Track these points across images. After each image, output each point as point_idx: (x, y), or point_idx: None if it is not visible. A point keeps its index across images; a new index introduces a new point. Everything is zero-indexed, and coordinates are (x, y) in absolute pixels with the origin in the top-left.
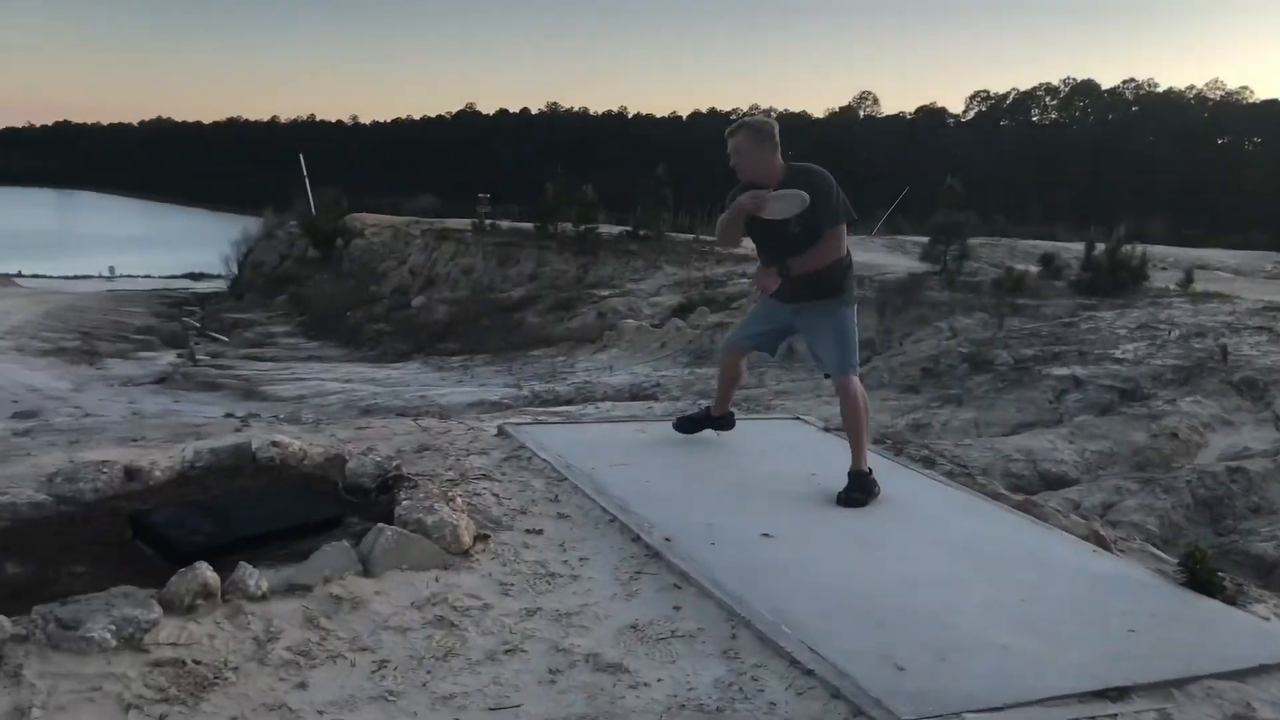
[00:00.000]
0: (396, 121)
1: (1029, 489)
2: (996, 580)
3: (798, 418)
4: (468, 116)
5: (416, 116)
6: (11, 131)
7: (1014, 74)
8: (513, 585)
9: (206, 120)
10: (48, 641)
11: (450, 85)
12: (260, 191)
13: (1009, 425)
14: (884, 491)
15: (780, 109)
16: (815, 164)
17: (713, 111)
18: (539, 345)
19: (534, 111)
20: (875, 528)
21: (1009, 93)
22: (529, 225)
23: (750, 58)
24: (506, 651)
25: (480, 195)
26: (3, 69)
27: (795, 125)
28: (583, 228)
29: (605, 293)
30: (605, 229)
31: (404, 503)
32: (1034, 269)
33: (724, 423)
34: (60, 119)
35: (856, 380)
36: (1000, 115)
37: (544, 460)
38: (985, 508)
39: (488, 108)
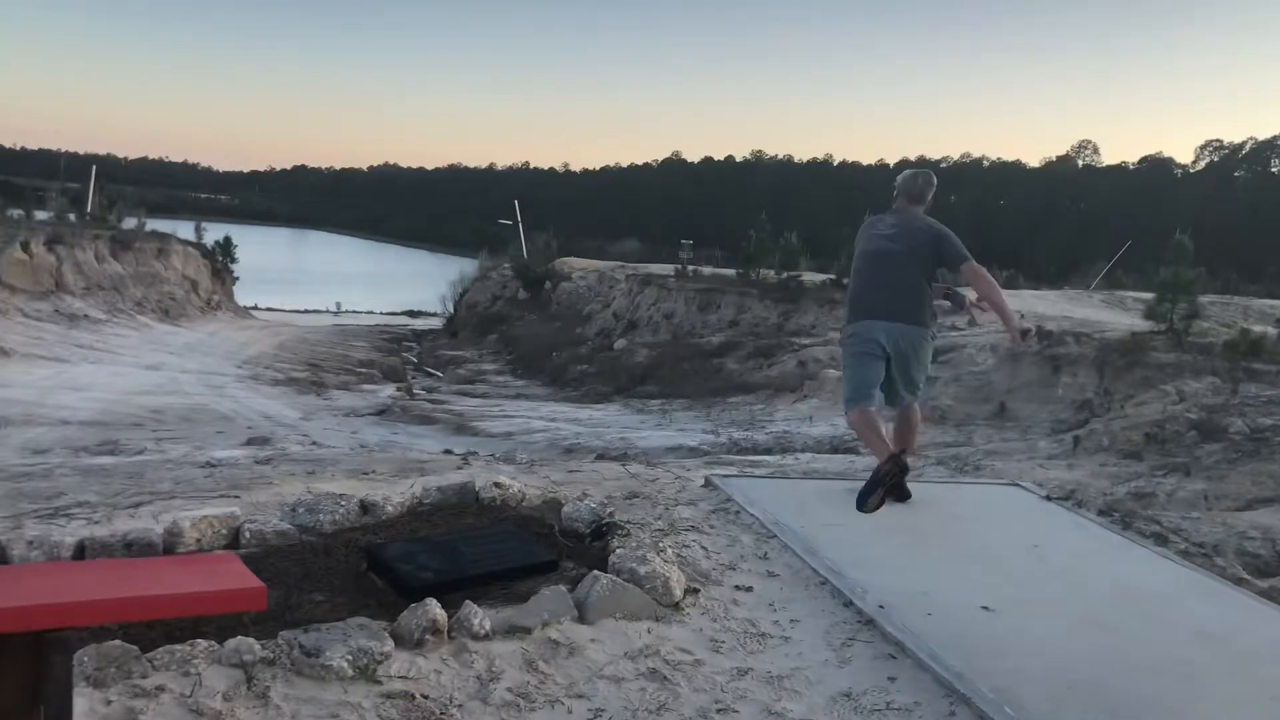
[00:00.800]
0: (605, 169)
1: (1266, 571)
2: (1241, 674)
3: (1015, 483)
4: (673, 164)
5: (624, 164)
6: (255, 174)
7: (1250, 122)
8: (723, 642)
9: (430, 166)
10: (291, 666)
11: (657, 133)
12: (477, 234)
13: (1243, 500)
14: (1114, 570)
15: (993, 157)
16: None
17: (921, 159)
18: (738, 392)
19: (738, 159)
20: (1107, 608)
21: (1245, 142)
22: (730, 272)
23: (961, 103)
24: (719, 711)
25: (683, 241)
26: (248, 118)
27: (1009, 175)
28: (785, 275)
29: (806, 341)
30: (808, 277)
31: (617, 551)
32: (1272, 331)
33: (894, 476)
34: (298, 163)
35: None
36: (1234, 166)
37: (752, 515)
38: (1226, 592)
39: (693, 155)
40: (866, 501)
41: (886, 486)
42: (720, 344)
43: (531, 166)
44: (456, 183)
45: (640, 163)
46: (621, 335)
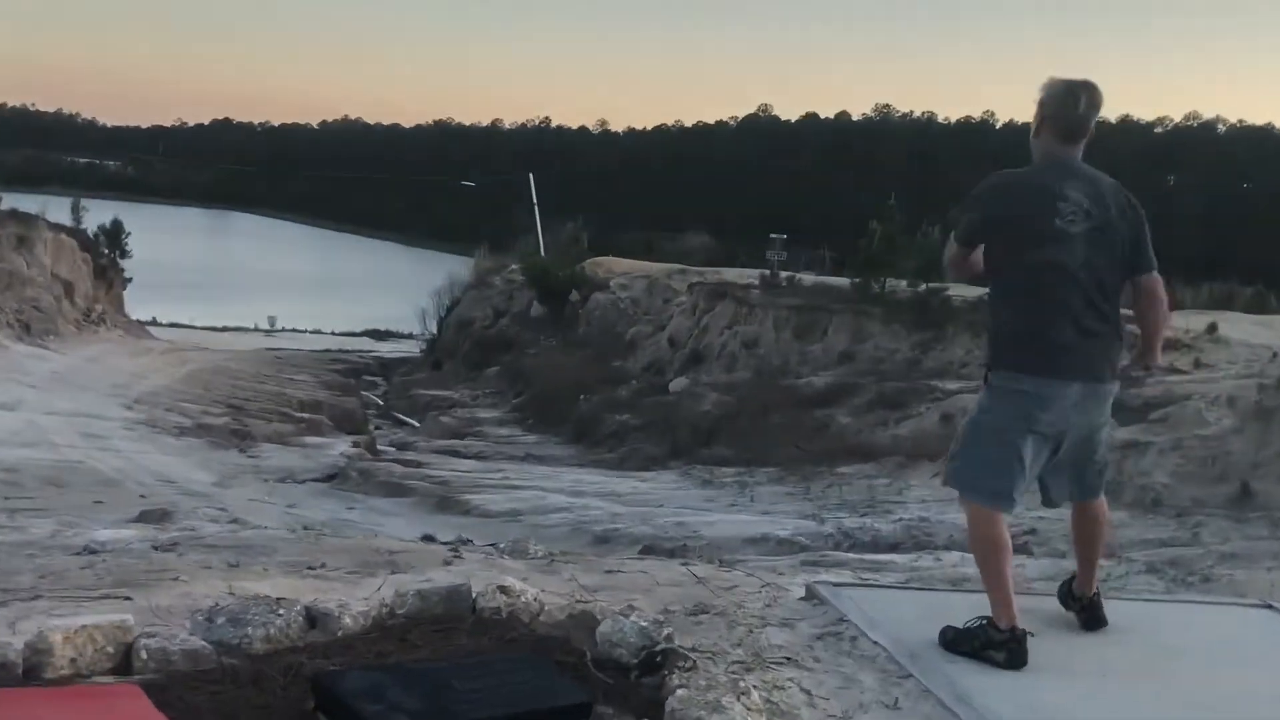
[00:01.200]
0: (659, 129)
1: None
2: None
3: (1267, 604)
4: (759, 123)
5: (687, 122)
6: (158, 131)
7: None
8: None
9: (407, 122)
10: None
11: (736, 79)
12: (474, 219)
13: None
14: None
15: (1231, 118)
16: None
17: (1128, 119)
18: (851, 459)
19: (856, 117)
20: None
21: None
22: (843, 281)
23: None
24: None
25: (772, 236)
26: (149, 55)
27: (1256, 140)
28: (924, 287)
29: (953, 385)
30: (957, 291)
31: (678, 692)
32: None
33: (1090, 615)
34: (219, 116)
35: None
36: None
37: (876, 644)
38: None
39: (788, 109)
40: (952, 651)
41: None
42: (826, 387)
43: (553, 124)
44: (444, 145)
45: (711, 120)
46: (681, 371)
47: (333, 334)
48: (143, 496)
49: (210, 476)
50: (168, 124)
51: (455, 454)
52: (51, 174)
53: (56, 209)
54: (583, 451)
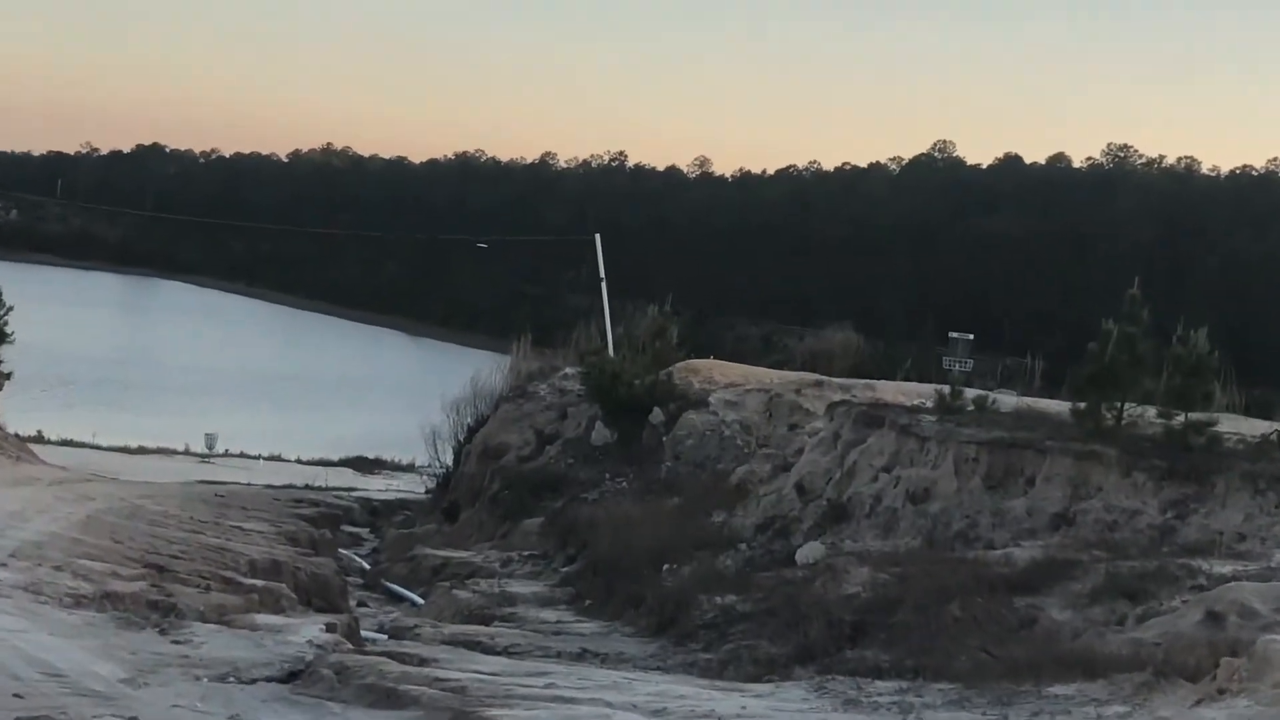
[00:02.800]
0: (787, 175)
1: None
2: None
3: None
4: (933, 167)
5: (826, 165)
6: (53, 159)
7: None
8: None
9: (415, 156)
10: None
11: (901, 111)
12: (503, 302)
13: None
14: None
15: None
16: None
17: None
18: (1069, 673)
19: (1077, 163)
20: None
21: None
22: (1057, 405)
23: None
24: None
25: (953, 336)
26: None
27: None
28: (1181, 418)
29: (1225, 568)
30: (1231, 426)
31: None
32: None
33: None
34: (141, 141)
35: None
36: None
37: None
38: None
39: (975, 150)
40: None
41: None
42: (1032, 564)
43: (629, 162)
44: (466, 190)
45: (863, 163)
46: (814, 534)
47: (299, 462)
48: (17, 698)
49: (117, 670)
50: (70, 150)
51: (477, 647)
52: None
53: None
54: (667, 649)
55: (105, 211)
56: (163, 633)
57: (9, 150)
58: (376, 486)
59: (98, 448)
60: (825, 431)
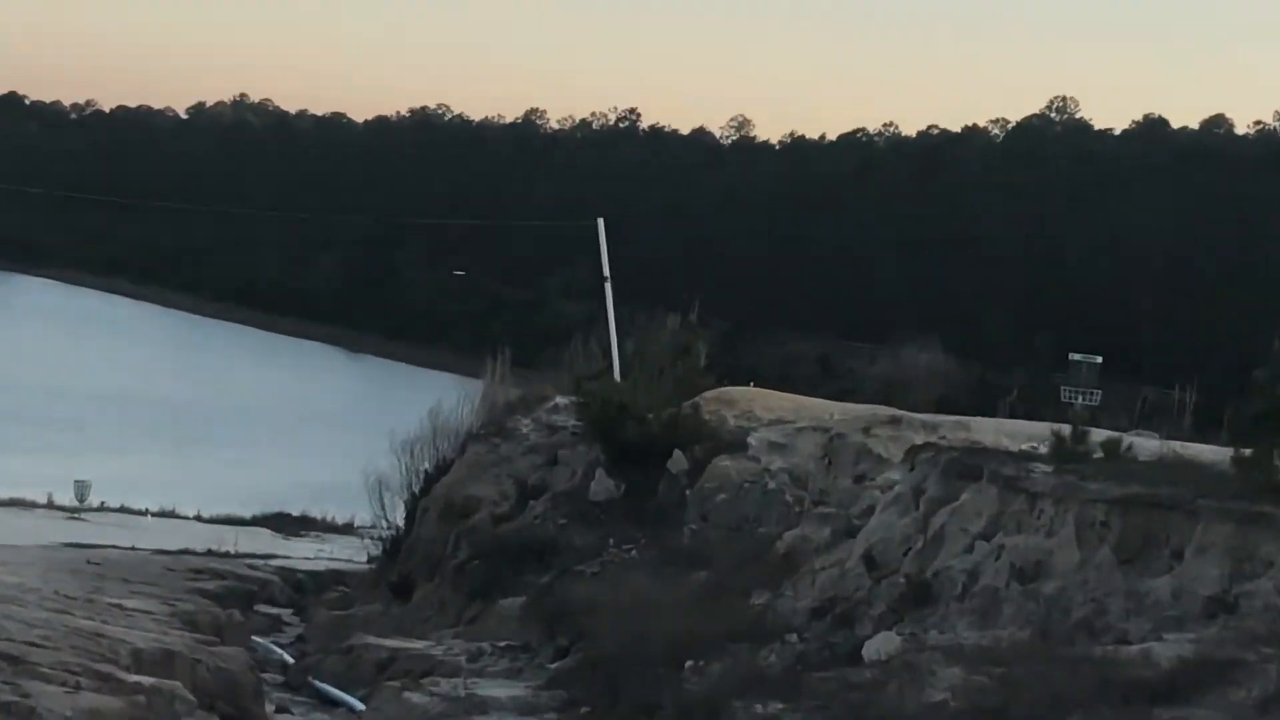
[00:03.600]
0: (853, 139)
1: None
2: None
3: None
4: (1050, 129)
5: (907, 129)
6: None
7: None
8: None
9: (358, 113)
10: None
11: (1008, 66)
12: (474, 307)
13: None
14: None
15: None
16: None
17: None
18: None
19: (1241, 128)
20: None
21: None
22: (1215, 453)
23: None
24: None
25: (1075, 358)
26: None
27: None
28: None
29: None
30: None
31: None
32: None
33: None
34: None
35: None
36: None
37: None
38: None
39: (1107, 113)
40: None
41: None
42: (1180, 665)
43: (642, 123)
44: (428, 159)
45: (955, 126)
46: (888, 620)
47: (199, 520)
48: None
49: None
50: None
51: None
52: None
53: None
54: None
55: None
56: None
57: None
58: (303, 553)
59: None
60: (903, 485)
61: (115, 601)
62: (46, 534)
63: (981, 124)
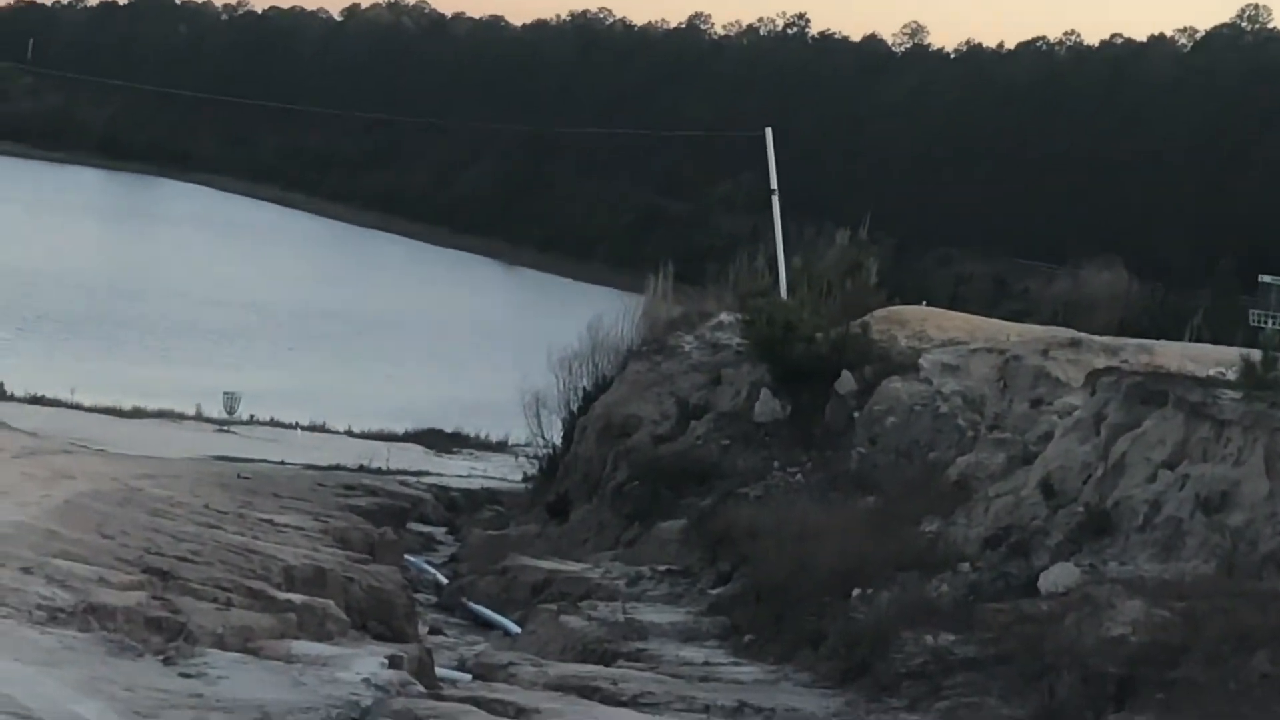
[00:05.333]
0: (1032, 46)
1: None
2: None
3: None
4: (1253, 42)
5: (1089, 37)
6: (35, 11)
7: None
8: None
9: (514, 17)
10: None
11: None
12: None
13: None
14: None
15: None
16: None
17: None
18: None
19: None
20: None
21: None
22: None
23: None
24: None
25: (1263, 281)
26: None
27: None
28: None
29: None
30: None
31: None
32: None
33: None
34: None
35: None
36: None
37: None
38: None
39: None
40: None
41: None
42: None
43: (810, 29)
44: (582, 66)
45: (1138, 36)
46: (1065, 552)
47: (350, 435)
48: None
49: (106, 712)
50: None
51: (595, 694)
52: None
53: None
54: (856, 704)
55: (91, 85)
56: (167, 662)
57: None
58: (456, 470)
59: (78, 408)
60: (1083, 410)
61: (266, 517)
62: (195, 446)
63: (1168, 33)
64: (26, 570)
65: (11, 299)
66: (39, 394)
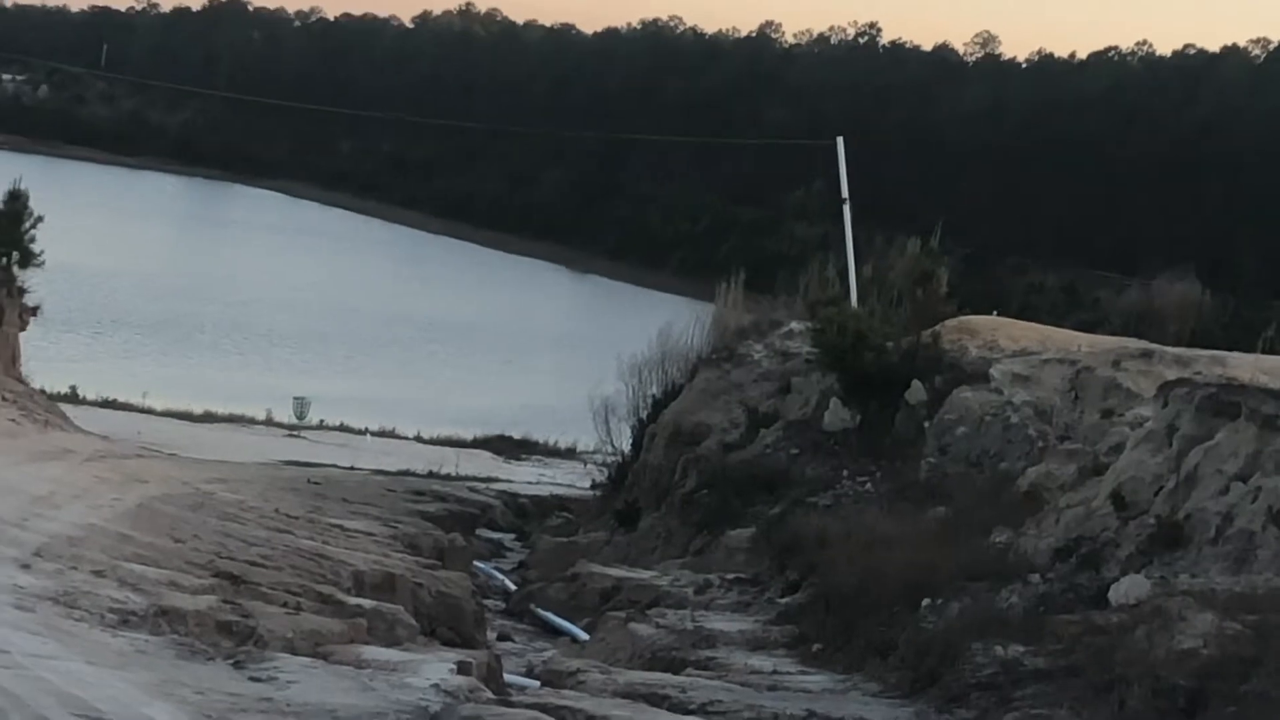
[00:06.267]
0: (1107, 57)
1: None
2: None
3: None
4: None
5: (1158, 47)
6: (109, 18)
7: None
8: None
9: (587, 25)
10: None
11: None
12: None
13: None
14: None
15: None
16: None
17: None
18: None
19: None
20: None
21: None
22: None
23: None
24: None
25: None
26: None
27: None
28: None
29: None
30: None
31: None
32: None
33: None
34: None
35: None
36: None
37: None
38: None
39: None
40: None
41: None
42: None
43: (882, 39)
44: (653, 74)
45: (1211, 46)
46: (1137, 562)
47: (419, 441)
48: None
49: (176, 714)
50: (120, 4)
51: (663, 702)
52: None
53: None
54: (926, 715)
55: (165, 91)
56: (237, 665)
57: (39, 3)
58: (525, 477)
59: (150, 412)
60: (1155, 422)
61: (335, 522)
62: (265, 451)
63: (1241, 43)
64: (99, 573)
65: (88, 304)
66: (111, 398)
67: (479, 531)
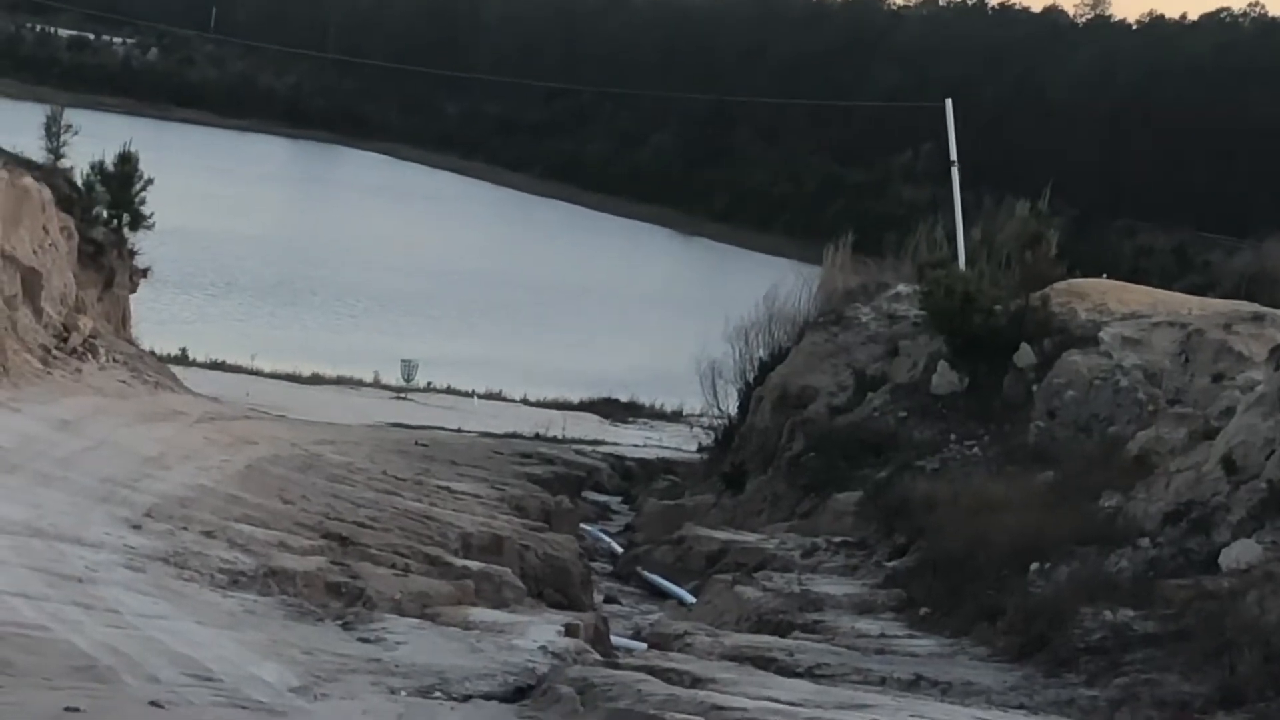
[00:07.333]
0: (1219, 18)
1: None
2: None
3: None
4: None
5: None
6: None
7: None
8: None
9: None
10: None
11: None
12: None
13: None
14: None
15: None
16: None
17: None
18: None
19: None
20: None
21: None
22: None
23: None
24: None
25: None
26: None
27: None
28: None
29: None
30: None
31: None
32: None
33: None
34: None
35: None
36: None
37: None
38: None
39: None
40: None
41: None
42: None
43: (990, 0)
44: (761, 37)
45: None
46: (1249, 527)
47: (526, 404)
48: (155, 707)
49: (286, 675)
50: None
51: (770, 665)
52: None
53: (9, 123)
54: (1034, 679)
55: (273, 54)
56: (346, 627)
57: None
58: (631, 440)
59: (258, 374)
60: (1266, 386)
61: (443, 484)
62: (372, 413)
63: None
64: (209, 534)
65: (199, 267)
66: (220, 359)
67: (585, 494)
